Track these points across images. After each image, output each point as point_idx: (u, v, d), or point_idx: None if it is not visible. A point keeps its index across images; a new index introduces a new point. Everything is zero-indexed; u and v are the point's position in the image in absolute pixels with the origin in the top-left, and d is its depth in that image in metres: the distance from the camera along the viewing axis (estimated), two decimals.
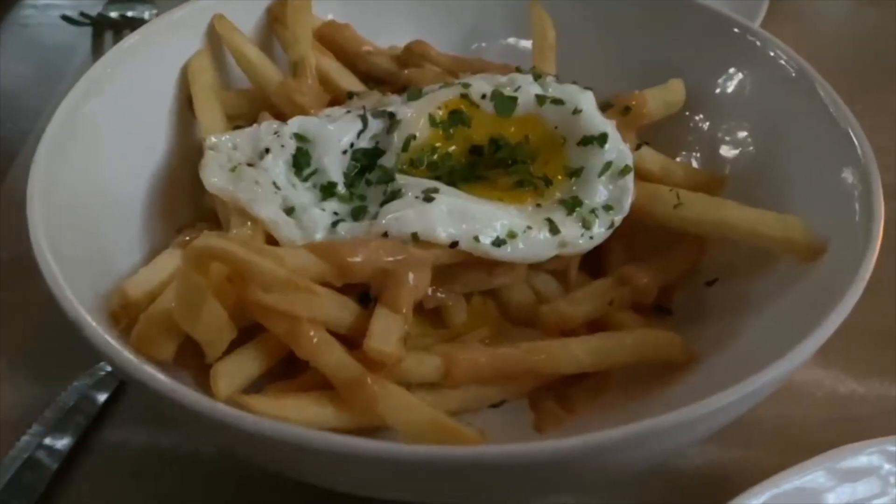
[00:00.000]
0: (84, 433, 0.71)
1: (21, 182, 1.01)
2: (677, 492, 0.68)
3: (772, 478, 0.60)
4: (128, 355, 0.49)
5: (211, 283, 0.51)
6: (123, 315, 0.57)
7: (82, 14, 1.17)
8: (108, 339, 0.49)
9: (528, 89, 0.74)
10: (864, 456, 0.62)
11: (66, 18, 1.16)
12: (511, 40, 0.91)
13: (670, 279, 0.73)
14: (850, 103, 0.78)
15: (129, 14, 1.19)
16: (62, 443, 0.69)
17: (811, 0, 1.38)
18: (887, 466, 0.62)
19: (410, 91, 0.78)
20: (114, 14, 1.19)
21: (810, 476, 0.60)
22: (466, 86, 0.75)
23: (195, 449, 0.70)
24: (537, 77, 0.76)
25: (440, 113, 0.73)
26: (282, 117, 0.76)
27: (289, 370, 0.60)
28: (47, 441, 0.69)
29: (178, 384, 0.48)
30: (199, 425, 0.51)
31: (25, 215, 0.62)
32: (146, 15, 1.19)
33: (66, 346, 0.73)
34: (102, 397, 0.73)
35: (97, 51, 1.15)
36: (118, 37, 1.17)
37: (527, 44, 0.88)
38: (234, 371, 0.56)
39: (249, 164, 0.70)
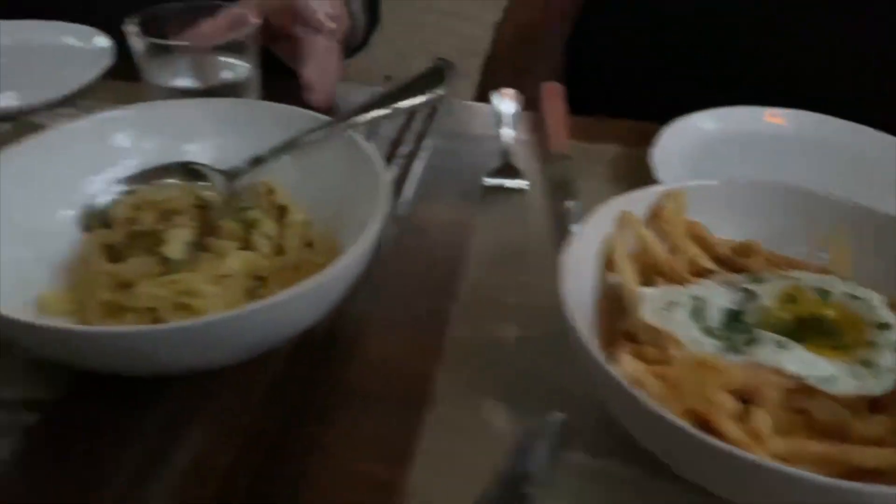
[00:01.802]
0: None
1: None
2: None
3: None
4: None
5: None
6: None
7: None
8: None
9: (838, 287, 1.16)
10: None
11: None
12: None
13: None
14: None
15: (508, 185, 1.71)
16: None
17: None
18: None
19: (753, 276, 1.21)
20: (494, 183, 1.72)
21: None
22: (797, 279, 1.18)
23: None
24: (843, 280, 1.19)
25: (782, 294, 1.16)
26: (665, 279, 1.22)
27: None
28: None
29: None
30: None
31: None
32: (524, 185, 1.70)
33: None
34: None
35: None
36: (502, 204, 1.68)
37: (825, 254, 1.30)
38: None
39: (663, 309, 1.15)
